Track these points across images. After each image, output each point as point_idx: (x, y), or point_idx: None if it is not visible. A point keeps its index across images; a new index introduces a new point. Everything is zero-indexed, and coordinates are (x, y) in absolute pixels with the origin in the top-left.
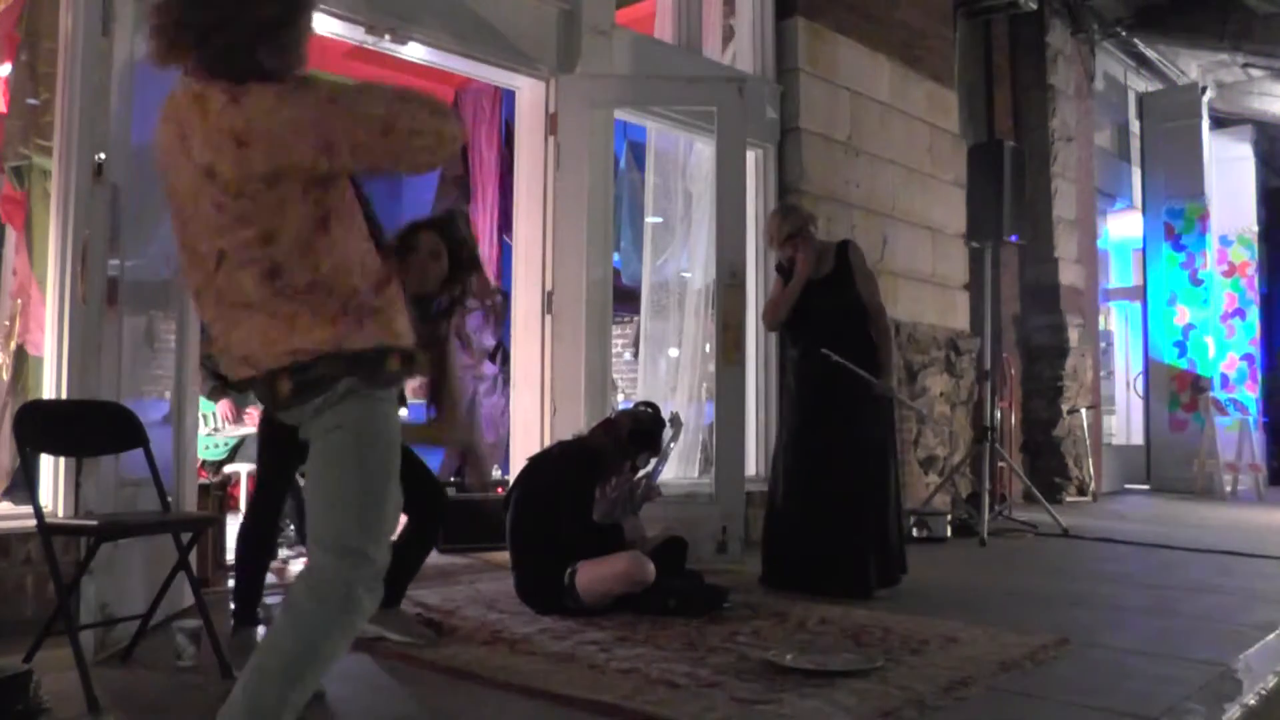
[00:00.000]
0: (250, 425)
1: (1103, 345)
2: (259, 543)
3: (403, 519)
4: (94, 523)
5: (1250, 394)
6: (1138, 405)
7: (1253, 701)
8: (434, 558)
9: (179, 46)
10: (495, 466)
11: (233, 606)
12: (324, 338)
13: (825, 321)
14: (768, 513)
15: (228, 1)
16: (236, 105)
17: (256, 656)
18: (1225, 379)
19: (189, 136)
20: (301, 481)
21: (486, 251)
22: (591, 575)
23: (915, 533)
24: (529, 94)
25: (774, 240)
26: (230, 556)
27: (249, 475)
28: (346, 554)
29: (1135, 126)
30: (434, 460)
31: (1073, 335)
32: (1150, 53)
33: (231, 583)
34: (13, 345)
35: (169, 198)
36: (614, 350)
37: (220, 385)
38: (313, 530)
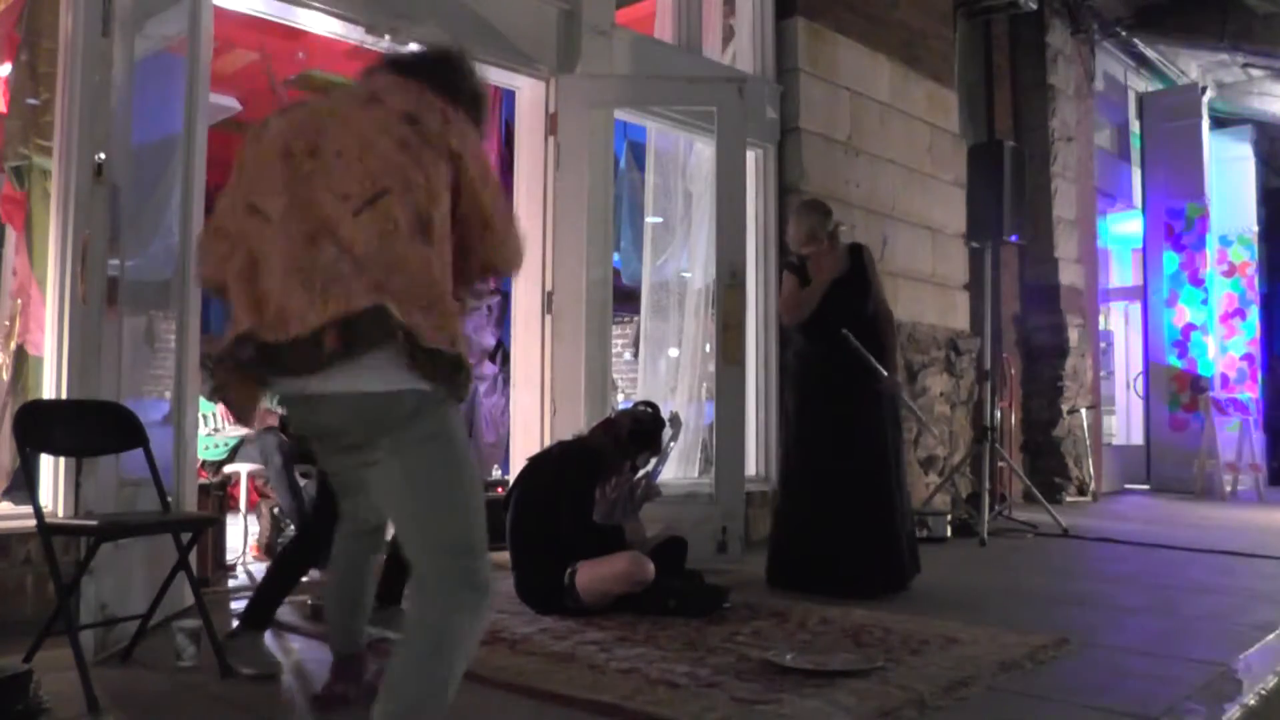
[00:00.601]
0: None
1: (1103, 345)
2: (313, 551)
3: None
4: (94, 523)
5: (1250, 394)
6: (1138, 405)
7: (1253, 701)
8: None
9: (425, 85)
10: (496, 466)
11: (246, 607)
12: (438, 327)
13: (841, 322)
14: (775, 512)
15: (474, 97)
16: (449, 102)
17: (393, 674)
18: (1225, 379)
19: (388, 97)
20: (302, 482)
21: None
22: (591, 575)
23: (915, 532)
24: (529, 94)
25: (797, 236)
26: (230, 557)
27: (249, 475)
28: (459, 554)
29: (1135, 126)
30: None
31: (1073, 335)
32: (1150, 53)
33: (233, 582)
34: (13, 345)
35: (301, 147)
36: (614, 350)
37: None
38: (417, 541)
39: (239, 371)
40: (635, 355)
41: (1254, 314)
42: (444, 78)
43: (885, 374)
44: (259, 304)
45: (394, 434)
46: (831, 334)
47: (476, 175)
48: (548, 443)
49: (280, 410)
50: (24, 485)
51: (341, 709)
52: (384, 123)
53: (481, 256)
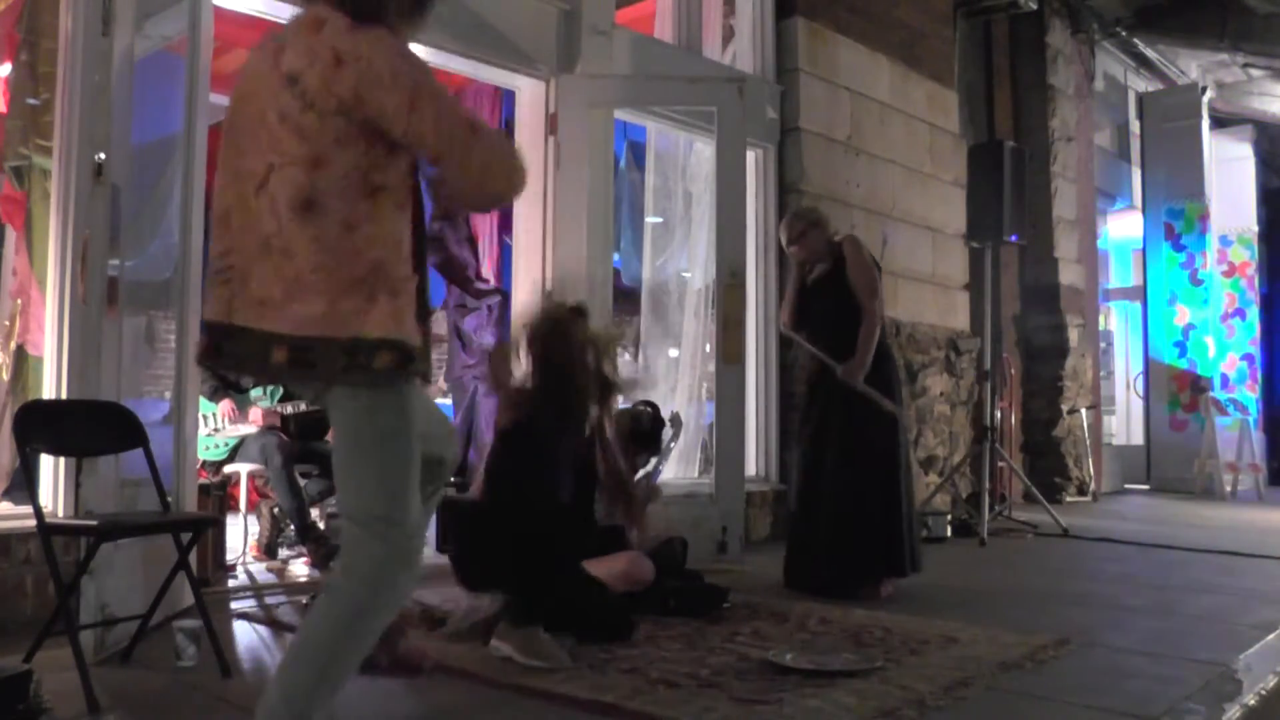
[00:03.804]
0: (250, 425)
1: (1103, 345)
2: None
3: None
4: (94, 523)
5: (1250, 394)
6: (1138, 405)
7: (1253, 701)
8: (435, 557)
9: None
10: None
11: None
12: (328, 313)
13: (823, 321)
14: (789, 515)
15: None
16: (352, 33)
17: (292, 641)
18: (1225, 379)
19: (285, 51)
20: (303, 482)
21: (486, 251)
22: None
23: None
24: (529, 94)
25: (786, 244)
26: (230, 557)
27: (249, 475)
28: (372, 522)
29: (1135, 126)
30: None
31: (1073, 335)
32: (1150, 53)
33: (233, 582)
34: (13, 345)
35: (228, 126)
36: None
37: (221, 385)
38: (341, 506)
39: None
40: (635, 355)
41: (1254, 314)
42: None
43: (835, 366)
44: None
45: (327, 393)
46: (817, 337)
47: (395, 110)
48: None
49: (281, 410)
50: (24, 485)
51: (367, 672)
52: (273, 91)
53: (452, 184)
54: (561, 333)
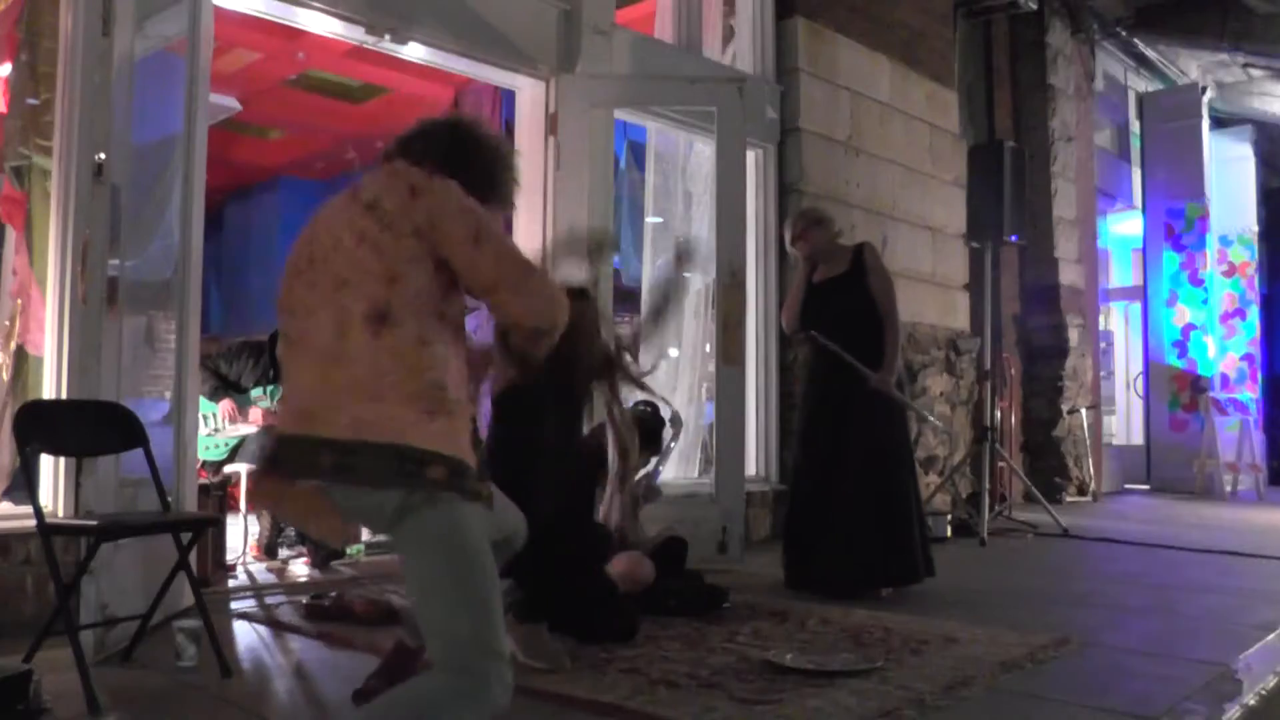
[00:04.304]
0: (250, 425)
1: (1103, 345)
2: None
3: None
4: (94, 523)
5: (1250, 394)
6: (1138, 405)
7: (1253, 701)
8: None
9: (421, 161)
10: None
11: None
12: (380, 419)
13: (837, 322)
14: (787, 515)
15: (484, 166)
16: (427, 176)
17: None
18: (1225, 379)
19: (363, 188)
20: None
21: None
22: None
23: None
24: (529, 94)
25: (789, 241)
26: (230, 557)
27: (249, 475)
28: (451, 644)
29: (1135, 126)
30: None
31: (1073, 335)
32: (1150, 53)
33: (233, 582)
34: (13, 345)
35: (296, 260)
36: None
37: (222, 385)
38: (430, 652)
39: (268, 472)
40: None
41: (1254, 314)
42: (433, 148)
43: (869, 374)
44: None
45: (390, 529)
46: (828, 337)
47: (461, 240)
48: None
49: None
50: (24, 485)
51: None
52: (349, 218)
53: (505, 315)
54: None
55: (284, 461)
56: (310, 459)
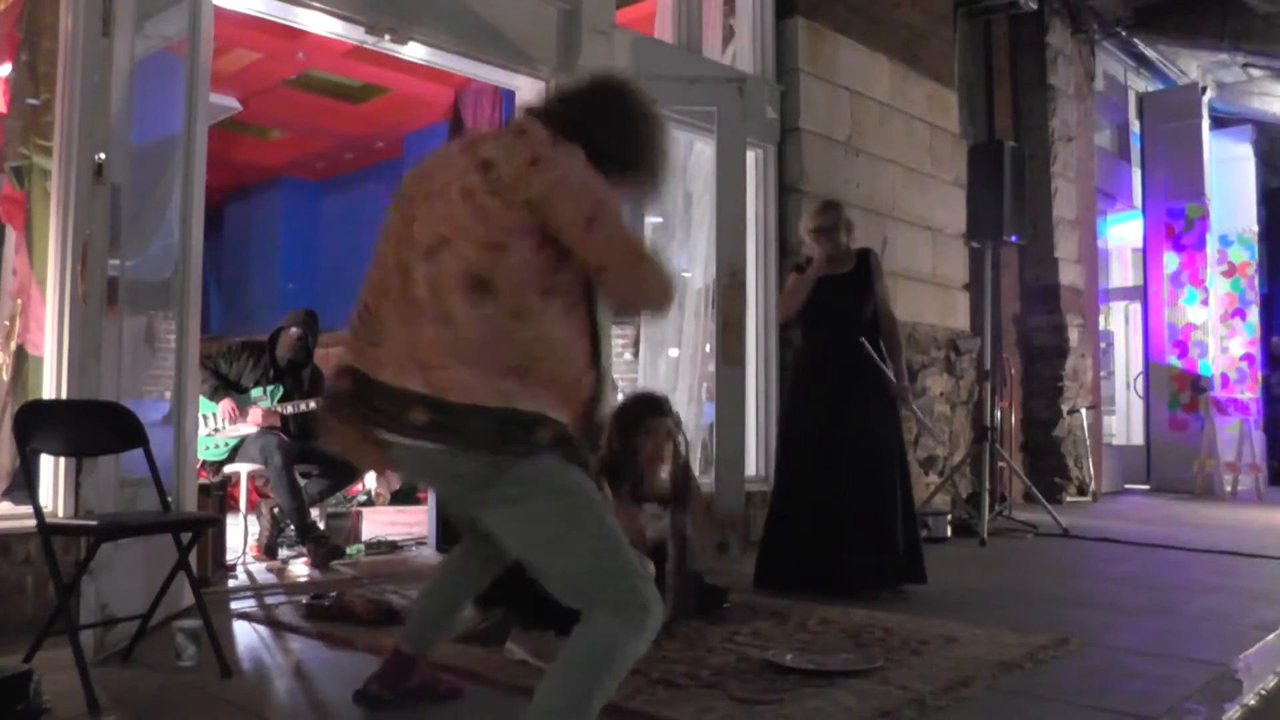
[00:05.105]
0: (250, 425)
1: (1103, 345)
2: None
3: None
4: (94, 523)
5: (1250, 394)
6: (1138, 405)
7: (1253, 701)
8: (435, 556)
9: (554, 121)
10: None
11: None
12: (479, 384)
13: (839, 319)
14: (769, 511)
15: (625, 134)
16: (554, 145)
17: (539, 687)
18: (1225, 379)
19: (484, 142)
20: (302, 482)
21: None
22: None
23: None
24: (529, 94)
25: (805, 230)
26: (230, 557)
27: (249, 475)
28: (585, 590)
29: (1135, 126)
30: None
31: (1073, 335)
32: (1150, 53)
33: (233, 582)
34: (13, 345)
35: (401, 195)
36: (614, 350)
37: (222, 385)
38: (546, 579)
39: (335, 408)
40: (635, 355)
41: (1254, 314)
42: (574, 115)
43: (895, 383)
44: (371, 335)
45: (480, 493)
46: (831, 334)
47: (572, 222)
48: None
49: (281, 410)
50: (24, 485)
51: (375, 708)
52: (462, 169)
53: (610, 295)
54: (636, 413)
55: (365, 405)
56: (401, 412)
